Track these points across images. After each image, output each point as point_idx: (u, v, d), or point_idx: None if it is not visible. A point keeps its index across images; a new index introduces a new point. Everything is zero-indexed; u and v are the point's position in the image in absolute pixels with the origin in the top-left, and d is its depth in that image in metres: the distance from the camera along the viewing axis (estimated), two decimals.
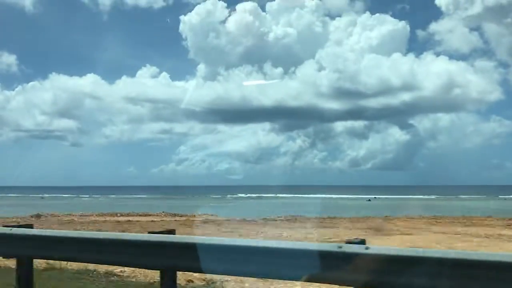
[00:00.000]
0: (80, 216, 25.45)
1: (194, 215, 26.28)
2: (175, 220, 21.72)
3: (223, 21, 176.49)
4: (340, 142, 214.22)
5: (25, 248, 6.18)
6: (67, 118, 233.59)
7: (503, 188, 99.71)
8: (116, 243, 5.59)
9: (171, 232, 5.78)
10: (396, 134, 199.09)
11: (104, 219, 23.50)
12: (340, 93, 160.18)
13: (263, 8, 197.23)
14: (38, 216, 24.60)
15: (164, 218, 23.73)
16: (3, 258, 7.65)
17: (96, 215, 25.98)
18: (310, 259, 4.40)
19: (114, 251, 5.53)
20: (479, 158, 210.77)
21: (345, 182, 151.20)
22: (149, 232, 5.79)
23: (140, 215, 26.29)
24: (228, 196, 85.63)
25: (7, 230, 6.36)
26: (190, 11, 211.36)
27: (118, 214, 26.75)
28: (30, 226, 6.91)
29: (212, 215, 25.48)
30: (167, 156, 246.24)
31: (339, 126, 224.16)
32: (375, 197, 68.76)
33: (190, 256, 4.86)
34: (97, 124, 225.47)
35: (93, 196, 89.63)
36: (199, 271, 5.15)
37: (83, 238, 6.00)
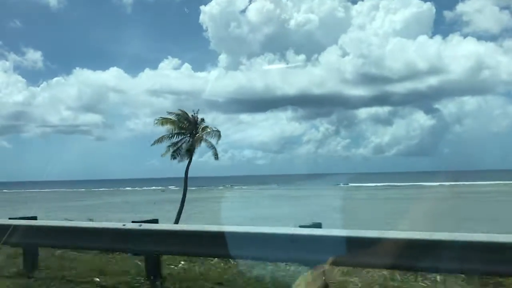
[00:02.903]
0: None
1: None
2: None
3: (244, 10, 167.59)
4: (364, 129, 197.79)
5: None
6: (92, 113, 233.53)
7: None
8: None
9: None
10: (421, 119, 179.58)
11: None
12: (365, 78, 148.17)
13: None
14: None
15: None
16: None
17: None
18: None
19: None
20: (507, 142, 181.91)
21: (369, 169, 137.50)
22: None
23: None
24: (329, 186, 77.58)
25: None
26: (210, 1, 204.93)
27: None
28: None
29: None
30: None
31: (363, 112, 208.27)
32: None
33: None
34: (121, 117, 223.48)
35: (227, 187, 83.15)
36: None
37: None
